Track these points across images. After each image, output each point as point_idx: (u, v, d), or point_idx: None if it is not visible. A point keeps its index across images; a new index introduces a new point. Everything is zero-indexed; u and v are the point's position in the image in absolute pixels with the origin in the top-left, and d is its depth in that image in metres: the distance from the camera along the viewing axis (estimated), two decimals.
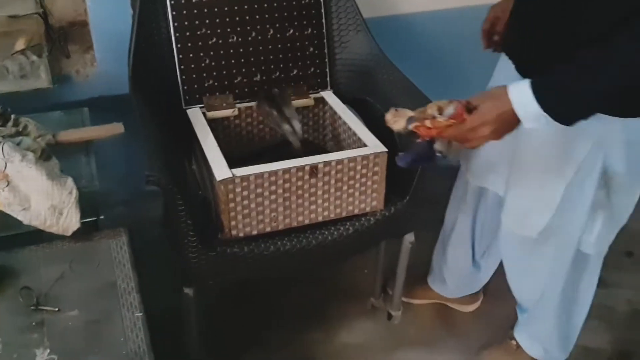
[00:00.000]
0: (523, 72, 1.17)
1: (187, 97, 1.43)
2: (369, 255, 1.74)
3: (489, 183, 1.42)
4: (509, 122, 1.01)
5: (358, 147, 1.31)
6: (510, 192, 1.31)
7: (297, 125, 1.39)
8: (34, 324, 1.08)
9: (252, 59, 1.46)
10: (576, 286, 1.40)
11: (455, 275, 1.67)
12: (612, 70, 0.95)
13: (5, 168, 1.17)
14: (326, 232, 1.29)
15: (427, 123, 1.05)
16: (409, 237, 1.45)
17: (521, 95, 0.99)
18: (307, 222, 1.28)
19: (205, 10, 1.40)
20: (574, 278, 1.37)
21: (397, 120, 1.10)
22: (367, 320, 1.72)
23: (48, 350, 1.04)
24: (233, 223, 1.21)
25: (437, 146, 1.10)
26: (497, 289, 1.76)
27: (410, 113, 1.09)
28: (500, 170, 1.33)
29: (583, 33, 1.02)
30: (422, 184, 1.34)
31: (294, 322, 1.68)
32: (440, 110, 1.05)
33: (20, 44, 1.47)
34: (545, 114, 0.98)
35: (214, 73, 1.44)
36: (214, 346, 1.56)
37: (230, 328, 1.65)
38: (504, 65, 1.26)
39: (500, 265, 1.55)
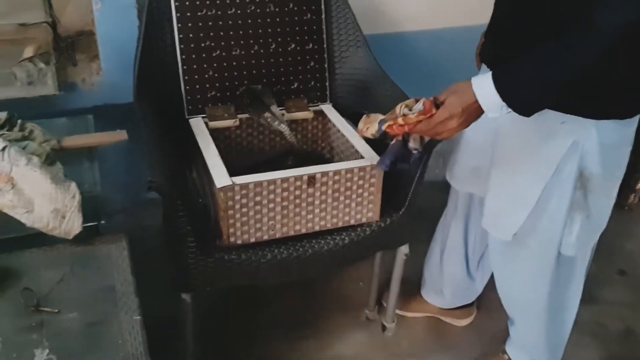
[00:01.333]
0: None
1: (190, 107, 1.46)
2: (364, 267, 1.76)
3: (474, 187, 1.45)
4: (474, 113, 1.08)
5: (355, 159, 1.34)
6: (489, 193, 1.35)
7: (275, 110, 1.43)
8: (33, 324, 1.10)
9: (254, 72, 1.50)
10: (562, 294, 1.42)
11: (452, 285, 1.70)
12: (563, 62, 1.01)
13: (10, 171, 1.19)
14: (322, 242, 1.31)
15: (400, 120, 1.10)
16: (404, 249, 1.48)
17: (484, 86, 1.05)
18: (303, 231, 1.30)
19: (210, 23, 1.44)
20: (559, 285, 1.39)
21: (369, 126, 1.16)
22: (361, 332, 1.74)
23: (47, 351, 1.05)
24: (231, 230, 1.24)
25: (411, 144, 1.15)
26: (491, 304, 1.78)
27: (380, 116, 1.15)
28: (483, 173, 1.36)
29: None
30: (417, 196, 1.37)
31: (289, 332, 1.70)
32: (409, 108, 1.11)
33: (28, 52, 1.50)
34: (504, 103, 1.04)
35: (217, 84, 1.47)
36: (209, 353, 1.57)
37: (226, 336, 1.67)
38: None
39: (494, 279, 1.58)
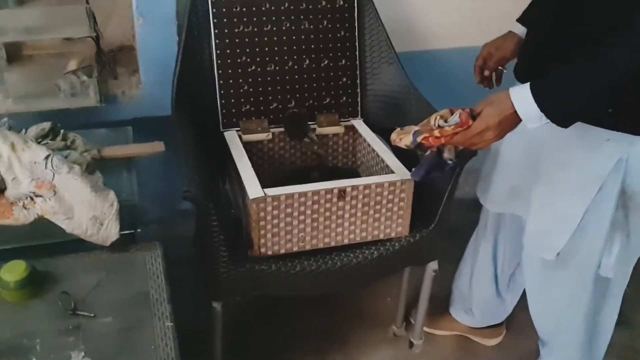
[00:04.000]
0: None
1: (225, 120, 1.50)
2: (392, 283, 1.76)
3: (513, 208, 1.44)
4: (511, 124, 1.08)
5: (386, 174, 1.35)
6: (531, 213, 1.34)
7: (313, 136, 1.52)
8: (70, 327, 1.13)
9: (287, 87, 1.53)
10: (597, 316, 1.40)
11: (481, 304, 1.68)
12: (602, 70, 1.01)
13: (53, 179, 1.24)
14: (351, 255, 1.32)
15: (436, 132, 1.11)
16: (433, 265, 1.48)
17: (522, 97, 1.05)
18: (333, 244, 1.32)
19: (247, 39, 1.48)
20: (594, 306, 1.37)
21: (403, 137, 1.15)
22: (388, 348, 1.73)
23: (83, 354, 1.08)
24: (262, 241, 1.26)
25: (446, 154, 1.15)
26: (521, 324, 1.76)
27: (415, 128, 1.15)
28: (523, 193, 1.35)
29: None
30: (447, 212, 1.38)
31: (316, 345, 1.71)
32: (445, 119, 1.11)
33: (72, 65, 1.56)
34: (543, 114, 1.04)
35: (251, 99, 1.51)
36: None
37: (254, 346, 1.69)
38: None
39: (524, 299, 1.56)
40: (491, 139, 1.08)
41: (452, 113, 1.12)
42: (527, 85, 1.05)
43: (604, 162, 1.18)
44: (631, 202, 1.21)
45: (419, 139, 1.13)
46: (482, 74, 1.46)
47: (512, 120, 1.07)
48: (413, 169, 1.20)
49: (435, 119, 1.12)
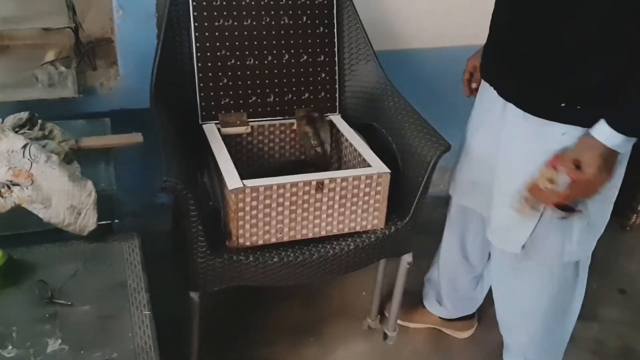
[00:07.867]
0: (504, 95, 1.27)
1: (203, 113, 1.51)
2: (367, 277, 1.79)
3: (472, 202, 1.48)
4: (611, 159, 1.14)
5: (363, 168, 1.38)
6: (493, 209, 1.37)
7: (328, 148, 1.54)
8: (47, 315, 1.13)
9: (266, 81, 1.55)
10: (567, 297, 1.44)
11: (450, 294, 1.72)
12: None
13: (30, 168, 1.24)
14: (328, 247, 1.35)
15: (554, 198, 1.19)
16: (407, 258, 1.51)
17: (604, 133, 1.12)
18: (310, 235, 1.34)
19: (226, 33, 1.49)
20: (562, 294, 1.42)
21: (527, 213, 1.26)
22: (363, 340, 1.76)
23: (60, 341, 1.09)
24: (241, 232, 1.27)
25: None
26: (492, 317, 1.80)
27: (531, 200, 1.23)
28: (482, 189, 1.39)
29: (556, 55, 1.14)
30: (422, 206, 1.41)
31: (291, 338, 1.72)
32: (553, 182, 1.18)
33: (50, 55, 1.55)
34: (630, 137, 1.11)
35: (231, 92, 1.52)
36: (213, 353, 1.60)
37: (230, 337, 1.70)
38: (485, 91, 1.35)
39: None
40: (605, 179, 1.15)
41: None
42: (602, 121, 1.11)
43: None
44: None
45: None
46: (470, 87, 1.48)
47: (610, 155, 1.13)
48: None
49: (544, 183, 1.19)
